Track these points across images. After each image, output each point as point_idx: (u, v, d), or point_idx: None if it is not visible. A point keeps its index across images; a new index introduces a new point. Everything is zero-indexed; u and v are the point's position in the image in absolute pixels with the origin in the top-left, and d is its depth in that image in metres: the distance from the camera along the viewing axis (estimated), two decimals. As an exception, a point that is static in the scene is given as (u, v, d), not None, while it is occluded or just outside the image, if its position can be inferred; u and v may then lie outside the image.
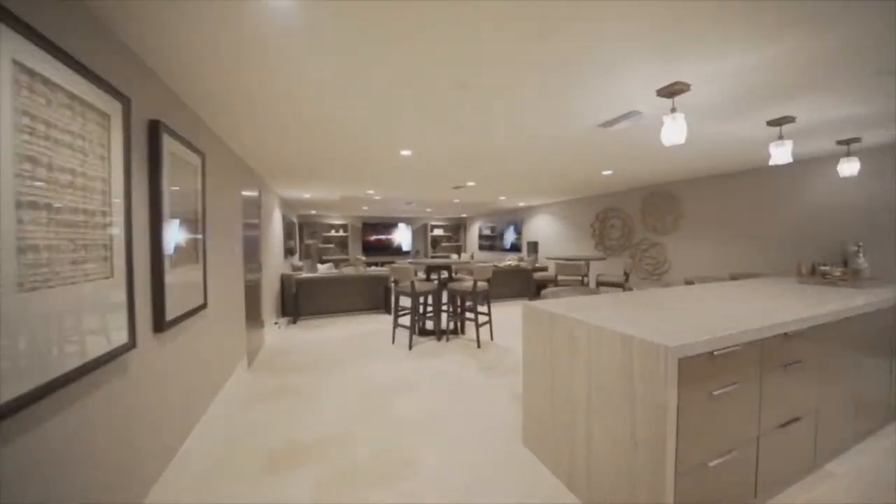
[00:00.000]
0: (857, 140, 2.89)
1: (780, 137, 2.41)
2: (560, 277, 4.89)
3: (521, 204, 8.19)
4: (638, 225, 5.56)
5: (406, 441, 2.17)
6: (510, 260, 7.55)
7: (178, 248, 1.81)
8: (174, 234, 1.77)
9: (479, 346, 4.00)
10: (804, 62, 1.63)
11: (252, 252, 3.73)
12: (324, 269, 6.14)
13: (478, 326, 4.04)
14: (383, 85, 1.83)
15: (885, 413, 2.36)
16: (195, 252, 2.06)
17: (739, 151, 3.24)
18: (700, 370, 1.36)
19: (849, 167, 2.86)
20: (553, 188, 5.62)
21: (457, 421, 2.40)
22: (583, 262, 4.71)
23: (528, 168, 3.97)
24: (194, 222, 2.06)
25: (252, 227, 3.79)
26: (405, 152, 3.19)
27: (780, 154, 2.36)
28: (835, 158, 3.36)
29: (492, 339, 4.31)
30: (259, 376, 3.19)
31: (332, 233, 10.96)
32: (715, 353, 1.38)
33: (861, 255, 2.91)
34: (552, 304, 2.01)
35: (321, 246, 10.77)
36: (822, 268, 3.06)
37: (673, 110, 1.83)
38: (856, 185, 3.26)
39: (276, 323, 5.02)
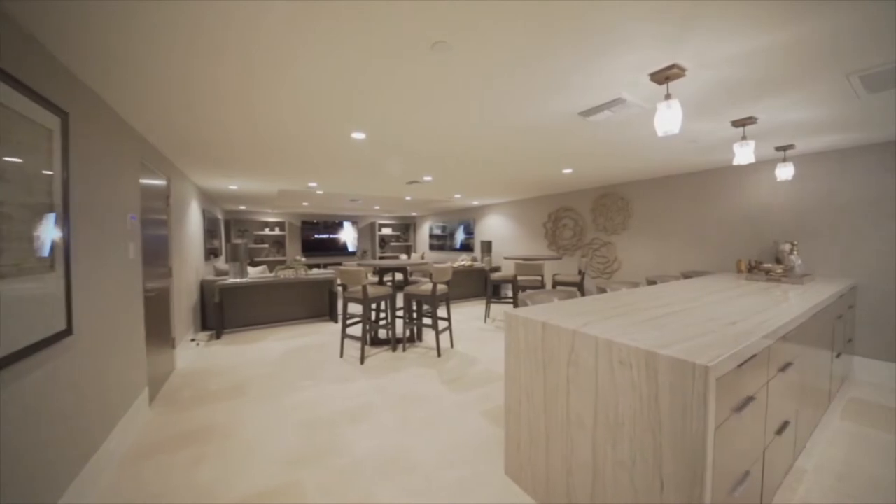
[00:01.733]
0: (791, 147, 3.11)
1: (744, 138, 2.44)
2: (520, 278, 4.75)
3: (475, 203, 8.04)
4: (589, 225, 5.69)
5: (368, 488, 1.75)
6: (463, 260, 7.35)
7: (6, 250, 1.18)
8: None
9: (439, 355, 3.66)
10: (797, 54, 1.56)
11: (158, 254, 2.95)
12: (256, 273, 5.30)
13: (437, 333, 3.70)
14: (335, 40, 1.39)
15: (825, 401, 2.51)
16: (50, 255, 1.41)
17: (696, 150, 3.34)
18: (729, 388, 1.17)
19: (785, 171, 3.06)
20: (510, 186, 5.50)
21: (426, 452, 2.03)
22: (543, 262, 4.63)
23: (493, 161, 3.73)
24: (48, 212, 1.41)
25: (158, 223, 3.01)
26: (358, 135, 2.72)
27: (744, 154, 2.39)
28: (769, 163, 3.64)
29: (452, 346, 4.00)
30: (164, 415, 2.49)
31: (267, 231, 9.79)
32: (742, 366, 1.21)
33: (795, 252, 3.14)
34: (540, 312, 1.74)
35: (253, 246, 9.55)
36: (765, 265, 3.26)
37: (668, 96, 1.67)
38: (786, 189, 3.56)
39: (193, 340, 4.15)
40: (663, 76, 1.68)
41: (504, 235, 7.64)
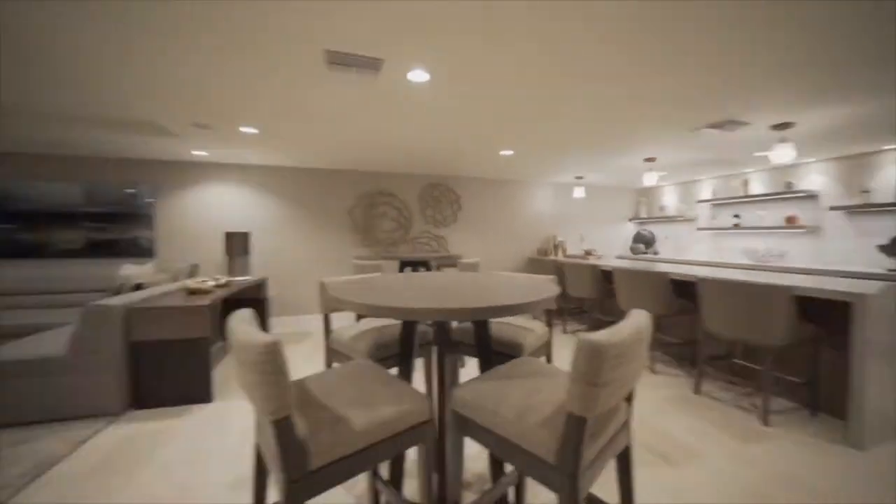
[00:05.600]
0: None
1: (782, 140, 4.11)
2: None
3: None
4: (416, 216, 5.14)
5: None
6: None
7: None
8: None
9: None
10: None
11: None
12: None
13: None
14: None
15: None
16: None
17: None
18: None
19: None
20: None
21: None
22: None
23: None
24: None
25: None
26: None
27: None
28: (559, 185, 5.74)
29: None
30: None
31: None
32: (866, 276, 2.74)
33: (583, 240, 5.43)
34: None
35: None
36: (570, 252, 5.26)
37: (783, 140, 2.86)
38: (565, 202, 5.81)
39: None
40: (781, 126, 2.84)
41: (266, 222, 4.56)
